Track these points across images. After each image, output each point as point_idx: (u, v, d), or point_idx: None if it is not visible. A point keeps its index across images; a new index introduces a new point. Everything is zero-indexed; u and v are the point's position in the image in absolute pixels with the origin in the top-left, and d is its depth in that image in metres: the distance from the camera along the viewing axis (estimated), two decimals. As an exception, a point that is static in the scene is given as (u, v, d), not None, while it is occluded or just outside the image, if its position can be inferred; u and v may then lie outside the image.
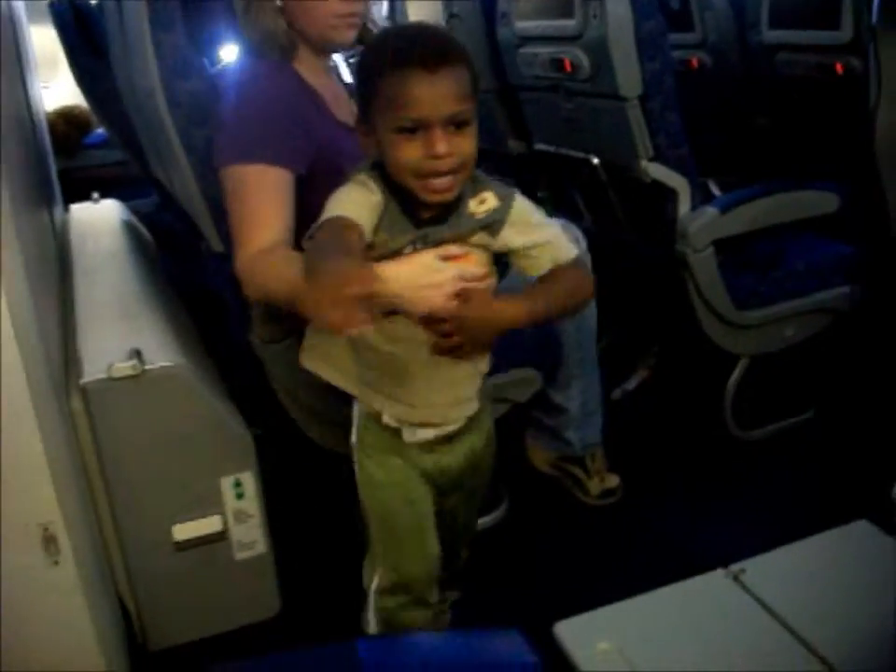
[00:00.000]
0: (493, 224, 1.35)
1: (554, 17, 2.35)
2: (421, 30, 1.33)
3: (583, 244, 2.07)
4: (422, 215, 1.31)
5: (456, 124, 1.23)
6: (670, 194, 2.24)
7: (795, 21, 2.85)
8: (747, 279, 2.32)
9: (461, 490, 1.54)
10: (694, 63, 3.26)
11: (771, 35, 2.94)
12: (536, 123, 2.74)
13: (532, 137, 2.77)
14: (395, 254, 1.31)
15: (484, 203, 1.34)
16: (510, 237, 1.36)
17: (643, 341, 2.75)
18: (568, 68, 2.31)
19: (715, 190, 2.60)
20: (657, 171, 2.21)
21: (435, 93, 1.21)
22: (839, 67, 2.63)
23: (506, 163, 3.13)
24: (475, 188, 1.34)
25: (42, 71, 3.56)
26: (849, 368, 2.46)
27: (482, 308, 1.30)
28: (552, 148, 2.64)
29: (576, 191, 2.71)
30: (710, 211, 2.23)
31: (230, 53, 2.21)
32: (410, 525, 1.45)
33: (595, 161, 2.38)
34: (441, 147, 1.22)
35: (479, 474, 1.55)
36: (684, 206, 2.24)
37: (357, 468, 1.48)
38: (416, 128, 1.22)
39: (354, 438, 1.49)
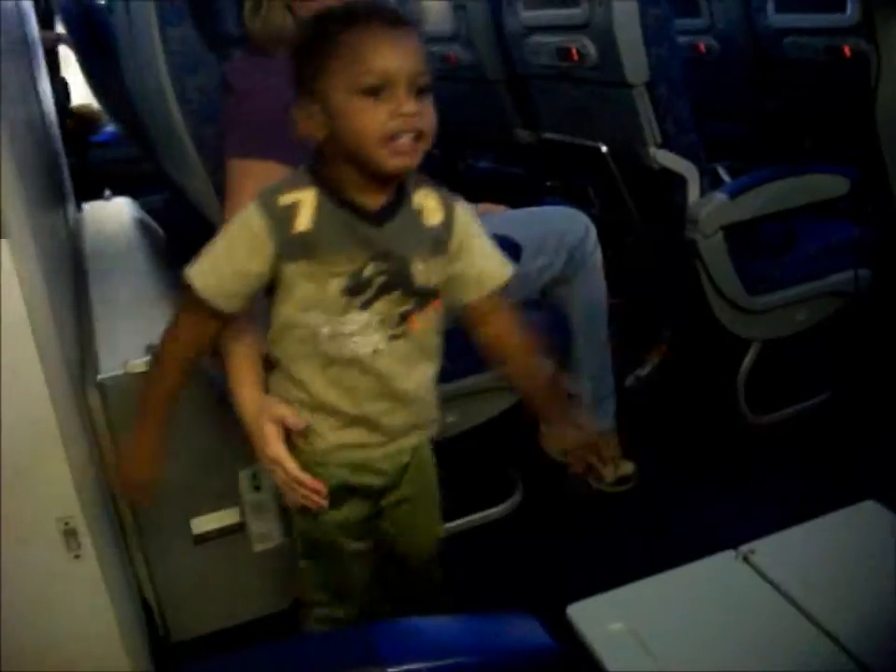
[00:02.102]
0: (441, 240, 1.27)
1: (560, 6, 2.35)
2: (370, 1, 1.24)
3: (593, 232, 2.07)
4: (367, 208, 1.22)
5: (419, 90, 1.16)
6: (679, 181, 2.24)
7: (802, 5, 2.84)
8: (758, 264, 2.32)
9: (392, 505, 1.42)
10: (702, 48, 3.26)
11: (778, 19, 2.94)
12: (544, 112, 2.74)
13: (540, 126, 2.77)
14: (355, 278, 1.21)
15: (428, 204, 1.27)
16: (454, 256, 1.29)
17: (655, 327, 2.76)
18: (575, 57, 2.31)
19: (724, 176, 2.60)
20: (666, 158, 2.21)
21: (401, 49, 1.15)
22: (847, 50, 2.63)
23: (514, 153, 3.14)
24: (415, 184, 1.27)
25: (52, 70, 3.57)
26: (861, 351, 2.46)
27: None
28: (560, 137, 2.64)
29: (585, 179, 2.72)
30: (719, 197, 2.23)
31: (238, 49, 2.22)
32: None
33: (604, 149, 2.39)
34: (410, 105, 1.14)
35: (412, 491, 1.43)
36: (693, 193, 2.24)
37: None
38: (380, 89, 1.14)
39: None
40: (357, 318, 1.23)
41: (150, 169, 3.00)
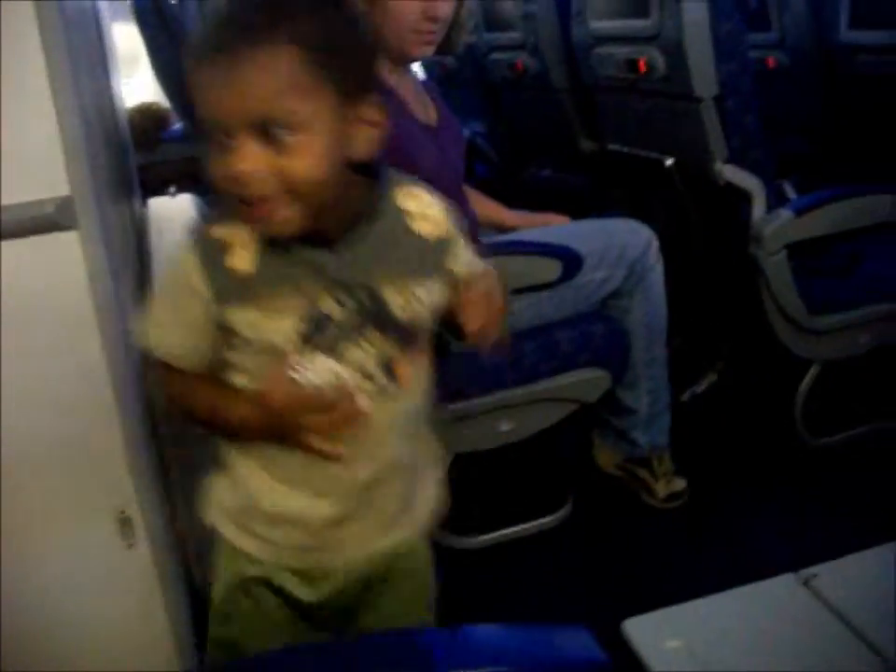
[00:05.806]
0: (436, 253, 1.02)
1: (629, 16, 2.34)
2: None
3: (655, 245, 2.06)
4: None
5: (273, 133, 0.89)
6: (744, 196, 2.21)
7: (875, 22, 2.80)
8: (821, 284, 2.29)
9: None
10: (771, 63, 3.22)
11: (850, 36, 2.90)
12: (609, 123, 2.73)
13: (605, 137, 2.76)
14: (312, 318, 0.96)
15: (414, 207, 1.02)
16: (459, 256, 1.05)
17: (713, 343, 2.73)
18: (643, 69, 2.30)
19: (790, 192, 2.56)
20: (732, 173, 2.19)
21: (232, 87, 0.87)
22: (921, 70, 2.59)
23: (578, 163, 3.13)
24: (394, 183, 1.02)
25: (122, 67, 3.64)
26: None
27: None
28: (625, 149, 2.63)
29: (649, 192, 2.70)
30: (785, 214, 2.20)
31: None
32: None
33: (669, 162, 2.37)
34: (240, 163, 0.89)
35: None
36: (759, 209, 2.21)
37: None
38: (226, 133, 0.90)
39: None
40: (327, 364, 0.96)
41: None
